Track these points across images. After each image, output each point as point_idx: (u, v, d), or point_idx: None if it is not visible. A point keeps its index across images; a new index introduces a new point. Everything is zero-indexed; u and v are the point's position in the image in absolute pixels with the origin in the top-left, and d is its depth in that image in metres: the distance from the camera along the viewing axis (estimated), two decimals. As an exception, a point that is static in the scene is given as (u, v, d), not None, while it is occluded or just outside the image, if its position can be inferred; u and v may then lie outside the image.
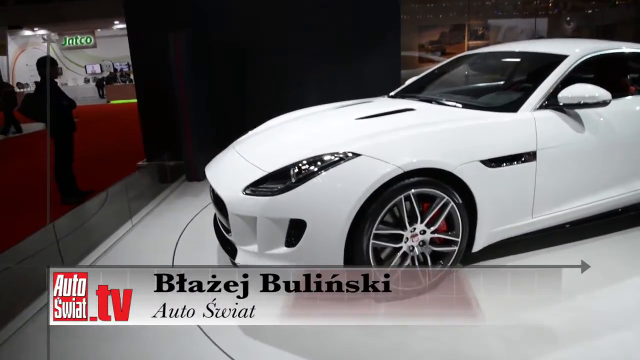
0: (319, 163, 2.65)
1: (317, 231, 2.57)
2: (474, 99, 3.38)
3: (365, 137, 2.78)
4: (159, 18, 6.11)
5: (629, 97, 3.42)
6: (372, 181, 2.53)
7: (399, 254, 2.73)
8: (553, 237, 3.41)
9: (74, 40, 20.35)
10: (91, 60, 20.73)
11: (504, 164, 2.83)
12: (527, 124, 2.93)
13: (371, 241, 2.61)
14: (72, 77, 20.45)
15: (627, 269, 3.06)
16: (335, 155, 2.65)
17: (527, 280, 2.88)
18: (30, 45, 17.63)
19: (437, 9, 11.52)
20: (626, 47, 3.62)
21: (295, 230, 2.60)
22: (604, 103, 2.94)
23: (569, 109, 3.03)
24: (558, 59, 3.26)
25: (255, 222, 2.66)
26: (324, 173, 2.59)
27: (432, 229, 2.76)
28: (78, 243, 3.87)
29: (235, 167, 3.09)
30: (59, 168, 5.82)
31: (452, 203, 2.74)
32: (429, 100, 3.54)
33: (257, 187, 2.73)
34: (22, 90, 16.72)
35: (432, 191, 2.69)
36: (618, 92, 3.44)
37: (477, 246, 2.94)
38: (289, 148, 2.98)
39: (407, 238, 2.73)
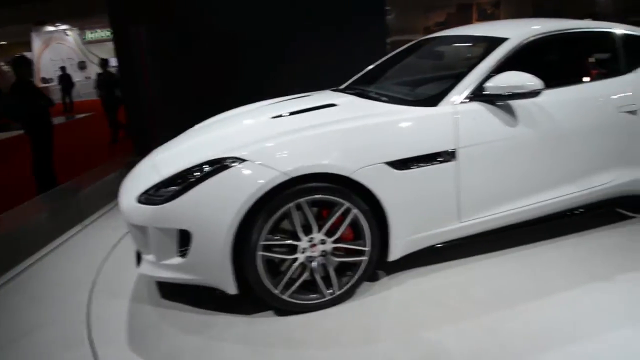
0: (205, 169, 2.45)
1: (203, 242, 2.39)
2: (402, 92, 3.05)
3: (262, 140, 2.54)
4: (138, 12, 5.98)
5: (583, 84, 2.99)
6: (254, 189, 2.31)
7: (295, 265, 2.49)
8: (495, 242, 3.09)
9: (95, 34, 20.73)
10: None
11: (416, 166, 2.53)
12: (445, 119, 2.60)
13: (260, 253, 2.40)
14: (96, 70, 20.80)
15: (565, 279, 2.70)
16: (221, 161, 2.43)
17: (440, 295, 2.63)
18: (54, 41, 18.09)
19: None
20: (583, 26, 3.18)
21: (185, 241, 2.43)
22: (534, 93, 2.57)
23: (499, 101, 2.68)
24: (497, 43, 2.89)
25: (147, 231, 2.51)
26: (207, 181, 2.39)
27: (333, 238, 2.51)
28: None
29: (141, 171, 2.93)
30: (36, 166, 5.86)
31: (354, 210, 2.47)
32: (362, 94, 3.23)
33: (150, 195, 2.56)
34: (46, 85, 17.20)
35: (329, 198, 2.43)
36: (576, 77, 3.06)
37: (394, 255, 2.67)
38: (192, 151, 2.77)
39: (303, 249, 2.49)
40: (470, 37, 3.23)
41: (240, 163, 2.38)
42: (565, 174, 2.94)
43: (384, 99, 2.97)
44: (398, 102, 2.88)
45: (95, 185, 5.21)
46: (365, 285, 2.79)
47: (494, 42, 2.90)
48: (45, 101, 5.88)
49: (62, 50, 18.14)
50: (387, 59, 3.78)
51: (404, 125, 2.59)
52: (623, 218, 3.43)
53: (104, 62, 9.87)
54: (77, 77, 17.50)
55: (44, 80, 17.04)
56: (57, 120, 11.32)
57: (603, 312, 2.40)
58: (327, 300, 2.58)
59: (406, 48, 3.77)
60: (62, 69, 15.87)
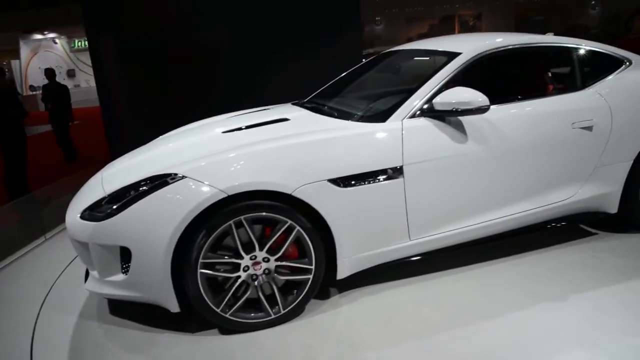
0: (145, 186, 2.41)
1: (142, 260, 2.36)
2: (355, 107, 3.00)
3: (204, 157, 2.50)
4: (109, 21, 5.94)
5: (538, 100, 2.95)
6: (192, 206, 2.27)
7: (237, 283, 2.45)
8: (452, 259, 3.05)
9: (83, 43, 20.72)
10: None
11: (361, 183, 2.49)
12: (392, 135, 2.57)
13: (200, 270, 2.35)
14: (85, 78, 20.88)
15: (517, 298, 2.66)
16: (161, 178, 2.40)
17: (389, 314, 2.59)
18: (42, 49, 18.06)
19: (427, 1, 10.94)
20: (541, 41, 3.16)
21: (127, 258, 2.39)
22: (481, 110, 2.54)
23: (448, 117, 2.65)
24: (451, 57, 2.87)
25: (89, 247, 2.47)
26: (145, 198, 2.35)
27: (276, 256, 2.47)
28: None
29: (89, 186, 2.88)
30: (8, 175, 5.82)
31: (297, 228, 2.43)
32: (317, 109, 3.20)
33: (92, 211, 2.52)
34: (34, 92, 17.15)
35: (269, 216, 2.39)
36: (531, 92, 3.04)
37: (343, 273, 2.62)
38: (139, 167, 2.72)
39: (246, 267, 2.44)
40: (426, 51, 3.20)
41: (179, 180, 2.34)
42: (519, 191, 2.90)
43: (336, 114, 2.94)
44: (349, 117, 2.84)
45: (62, 196, 5.14)
46: (316, 302, 2.75)
47: (448, 57, 2.88)
48: (17, 112, 5.84)
49: (51, 58, 18.08)
50: (350, 72, 3.75)
51: (349, 142, 2.55)
52: (585, 234, 3.40)
53: (50, 73, 8.75)
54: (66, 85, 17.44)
55: (32, 88, 17.01)
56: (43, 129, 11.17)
57: (552, 333, 2.35)
58: (272, 319, 2.54)
59: (368, 62, 3.75)
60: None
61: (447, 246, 2.84)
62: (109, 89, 5.58)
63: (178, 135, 3.26)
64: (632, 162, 3.13)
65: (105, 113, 5.79)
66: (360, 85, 3.29)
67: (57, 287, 3.26)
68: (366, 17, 11.20)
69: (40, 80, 17.49)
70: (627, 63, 3.27)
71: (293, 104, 3.60)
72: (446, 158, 2.63)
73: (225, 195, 2.28)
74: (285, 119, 3.01)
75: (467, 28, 10.99)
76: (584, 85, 3.09)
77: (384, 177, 2.52)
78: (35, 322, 2.83)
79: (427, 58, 3.22)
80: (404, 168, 2.54)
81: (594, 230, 3.45)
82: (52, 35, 17.34)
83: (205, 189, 2.28)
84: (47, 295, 3.15)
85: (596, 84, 3.11)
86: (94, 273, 2.58)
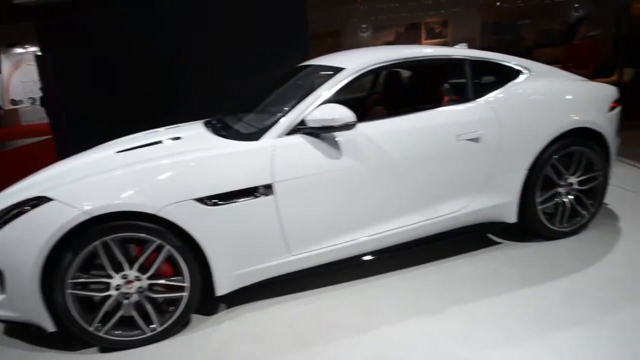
0: (18, 208, 2.46)
1: (14, 280, 2.42)
2: (242, 125, 3.02)
3: (79, 178, 2.55)
4: (52, 37, 5.99)
5: (422, 113, 2.98)
6: (55, 229, 2.32)
7: (109, 302, 2.49)
8: (345, 272, 3.09)
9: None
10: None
11: (232, 201, 2.53)
12: (262, 153, 2.60)
13: (69, 290, 2.40)
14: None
15: (399, 312, 2.69)
16: (33, 200, 2.45)
17: (266, 330, 2.62)
18: (24, 63, 18.20)
19: (391, 9, 10.96)
20: (432, 54, 3.19)
21: (1, 278, 2.44)
22: (347, 126, 2.58)
23: (322, 133, 2.69)
24: (335, 73, 2.91)
25: None
26: (17, 220, 2.41)
27: (148, 274, 2.51)
28: None
29: None
30: None
31: (167, 247, 2.47)
32: (213, 127, 3.23)
33: None
34: (16, 107, 17.22)
35: (137, 235, 2.43)
36: (418, 104, 3.06)
37: (221, 290, 2.66)
38: (28, 188, 2.76)
39: (117, 285, 2.48)
40: (320, 66, 3.23)
41: (46, 203, 2.39)
42: (406, 204, 2.93)
43: (223, 133, 2.98)
44: (232, 136, 2.88)
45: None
46: (199, 319, 2.79)
47: (334, 72, 2.92)
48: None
49: (33, 72, 18.18)
50: (261, 87, 3.75)
51: (219, 160, 2.59)
52: (488, 244, 3.43)
53: None
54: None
55: (14, 102, 17.12)
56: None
57: (417, 348, 2.38)
58: (148, 337, 2.57)
59: (277, 77, 3.70)
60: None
61: (334, 260, 2.87)
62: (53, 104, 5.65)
63: (80, 154, 3.30)
64: (526, 171, 3.15)
65: (53, 127, 5.87)
66: (262, 102, 3.32)
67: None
68: (331, 25, 11.23)
69: (23, 94, 17.62)
70: (525, 73, 3.30)
71: (204, 121, 3.62)
72: (321, 174, 2.66)
73: (88, 217, 2.33)
74: (178, 138, 3.06)
75: (433, 35, 11.05)
76: (474, 97, 3.11)
77: (254, 195, 2.56)
78: None
79: (316, 73, 3.24)
80: (275, 185, 2.58)
81: (498, 240, 3.48)
82: (33, 49, 17.46)
83: (70, 211, 2.33)
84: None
85: (487, 95, 3.13)
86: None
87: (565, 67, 6.12)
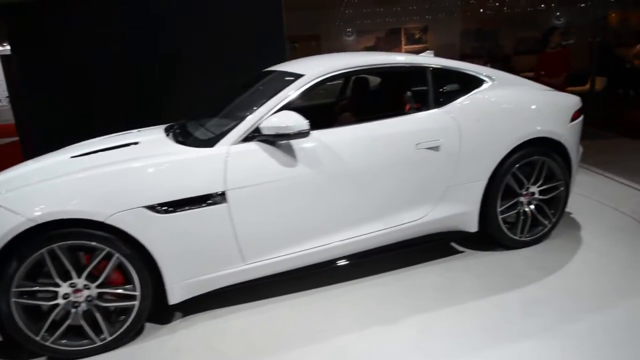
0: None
1: (-42, 289, 2.33)
2: (200, 131, 2.98)
3: (27, 184, 2.49)
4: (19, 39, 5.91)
5: (381, 121, 2.96)
6: (-1, 236, 2.26)
7: (56, 311, 2.44)
8: (304, 281, 3.07)
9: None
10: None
11: (184, 209, 2.50)
12: (215, 161, 2.58)
13: (14, 299, 2.34)
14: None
15: (354, 322, 2.67)
16: None
17: (218, 339, 2.59)
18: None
19: (376, 13, 11.00)
20: (393, 60, 3.18)
21: None
22: (301, 134, 2.57)
23: (277, 141, 2.67)
24: (294, 79, 2.89)
25: None
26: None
27: (96, 283, 2.47)
28: None
29: None
30: None
31: (117, 254, 2.43)
32: (172, 132, 3.19)
33: None
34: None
35: (86, 243, 2.39)
36: (378, 112, 3.06)
37: (175, 298, 2.62)
38: None
39: (65, 294, 2.44)
40: (280, 72, 3.20)
41: (-8, 208, 2.34)
42: (362, 212, 2.91)
43: (180, 139, 2.95)
44: (189, 142, 2.84)
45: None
46: (154, 327, 2.75)
47: (293, 78, 2.90)
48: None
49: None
50: (226, 93, 3.70)
51: (171, 167, 2.56)
52: (449, 253, 3.43)
53: None
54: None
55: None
56: None
57: (380, 358, 2.36)
58: (98, 346, 2.53)
59: (245, 82, 3.66)
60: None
61: (292, 269, 2.85)
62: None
63: (36, 159, 3.24)
64: (487, 180, 3.16)
65: (19, 129, 5.79)
66: (224, 108, 3.27)
67: None
68: (315, 28, 11.25)
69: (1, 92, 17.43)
70: (488, 82, 3.31)
71: (166, 126, 3.57)
72: (275, 182, 2.64)
73: (33, 224, 2.28)
74: (135, 143, 3.01)
75: (413, 40, 11.10)
76: (435, 105, 3.11)
77: (207, 202, 2.53)
78: None
79: (279, 79, 3.19)
80: (227, 193, 2.55)
81: (461, 248, 3.48)
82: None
83: (14, 217, 2.28)
84: None
85: (449, 103, 3.13)
86: None
87: (537, 75, 6.19)
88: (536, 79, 6.21)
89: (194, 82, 5.89)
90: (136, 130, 3.60)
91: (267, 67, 3.75)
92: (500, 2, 11.63)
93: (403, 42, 11.29)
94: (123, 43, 5.70)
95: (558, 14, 12.66)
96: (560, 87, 5.87)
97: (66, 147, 3.35)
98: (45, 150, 3.42)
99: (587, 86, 6.83)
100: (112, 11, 5.65)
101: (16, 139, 5.85)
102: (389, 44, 11.19)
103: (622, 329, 2.46)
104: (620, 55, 8.50)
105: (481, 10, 12.13)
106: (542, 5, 12.41)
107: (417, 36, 11.22)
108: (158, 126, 3.61)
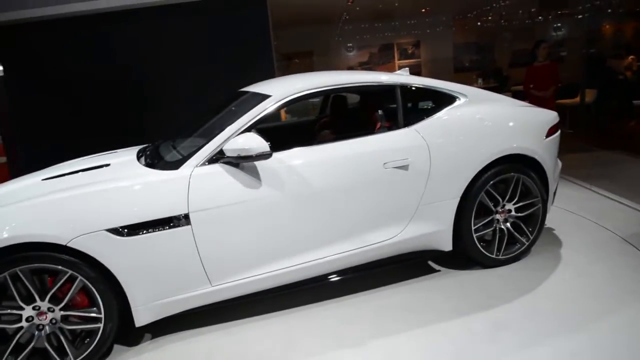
0: None
1: None
2: (170, 154, 3.00)
3: (-2, 207, 2.53)
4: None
5: (348, 141, 2.96)
6: (-40, 260, 2.28)
7: (20, 334, 2.45)
8: (269, 303, 3.06)
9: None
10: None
11: (146, 231, 2.51)
12: (179, 183, 2.59)
13: (-25, 323, 2.36)
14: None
15: (314, 345, 2.66)
16: None
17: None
18: None
19: (371, 29, 11.07)
20: (361, 80, 3.19)
21: None
22: (262, 156, 2.58)
23: (241, 162, 2.68)
24: (260, 101, 2.91)
25: None
26: None
27: (60, 306, 2.48)
28: None
29: None
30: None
31: (80, 277, 2.45)
32: (143, 154, 3.22)
33: None
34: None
35: (47, 266, 2.41)
36: (353, 131, 3.07)
37: (141, 320, 2.63)
38: None
39: (29, 317, 2.45)
40: (251, 93, 3.21)
41: (-45, 233, 2.36)
42: (330, 233, 2.90)
43: (148, 161, 2.97)
44: (157, 164, 2.86)
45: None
46: (121, 349, 2.76)
47: (260, 99, 2.92)
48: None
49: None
50: (202, 113, 3.71)
51: (135, 190, 2.58)
52: (429, 271, 3.40)
53: None
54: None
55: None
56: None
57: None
58: (65, 371, 2.53)
59: (221, 103, 3.67)
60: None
61: (261, 290, 2.84)
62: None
63: (10, 181, 3.28)
64: (458, 199, 3.15)
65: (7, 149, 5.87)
66: (196, 130, 3.29)
67: None
68: (307, 46, 11.34)
69: None
70: (460, 99, 3.31)
71: (142, 147, 3.60)
72: (239, 204, 2.65)
73: (-5, 248, 2.31)
74: (106, 165, 3.04)
75: (406, 55, 11.13)
76: (405, 124, 3.11)
77: (170, 225, 2.54)
78: None
79: (248, 100, 3.20)
80: (191, 215, 2.56)
81: (437, 267, 3.45)
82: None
83: (-25, 242, 2.30)
84: None
85: (419, 122, 3.13)
86: None
87: (526, 89, 6.19)
88: (525, 92, 6.22)
89: (181, 100, 5.96)
90: (111, 152, 3.64)
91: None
92: (496, 15, 11.70)
93: (396, 57, 11.34)
94: (110, 64, 5.79)
95: (556, 25, 12.69)
96: (549, 100, 5.88)
97: (42, 170, 3.38)
98: (32, 171, 3.47)
99: (578, 99, 6.81)
100: (98, 33, 5.75)
101: (4, 159, 5.93)
102: (381, 59, 11.25)
103: (587, 355, 2.41)
104: (612, 66, 8.47)
105: (478, 23, 12.20)
106: (540, 18, 12.45)
107: (409, 51, 11.25)
108: (133, 147, 3.65)
